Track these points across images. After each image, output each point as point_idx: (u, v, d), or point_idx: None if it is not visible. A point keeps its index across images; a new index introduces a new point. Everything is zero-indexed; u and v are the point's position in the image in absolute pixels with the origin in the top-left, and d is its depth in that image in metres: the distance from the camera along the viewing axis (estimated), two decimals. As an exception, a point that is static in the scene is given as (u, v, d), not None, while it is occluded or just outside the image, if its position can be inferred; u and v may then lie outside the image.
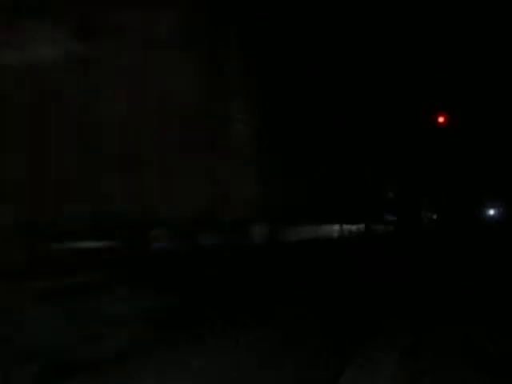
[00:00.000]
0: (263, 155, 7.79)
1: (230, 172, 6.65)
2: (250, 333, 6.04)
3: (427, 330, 5.94)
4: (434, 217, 35.91)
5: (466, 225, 29.64)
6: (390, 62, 26.01)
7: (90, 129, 4.86)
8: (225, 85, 6.48)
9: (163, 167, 5.46)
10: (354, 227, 26.73)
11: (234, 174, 6.74)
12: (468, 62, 24.75)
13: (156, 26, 5.33)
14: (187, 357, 4.97)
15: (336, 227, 16.33)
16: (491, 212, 31.98)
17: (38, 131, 4.42)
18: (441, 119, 21.91)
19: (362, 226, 29.14)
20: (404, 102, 27.81)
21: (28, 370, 3.96)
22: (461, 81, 25.23)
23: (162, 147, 5.47)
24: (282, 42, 9.29)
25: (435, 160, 31.14)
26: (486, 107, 27.36)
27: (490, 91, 26.57)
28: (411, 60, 26.08)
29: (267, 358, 5.15)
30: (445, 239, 25.00)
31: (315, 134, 10.89)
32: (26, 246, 4.12)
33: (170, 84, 5.54)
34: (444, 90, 25.11)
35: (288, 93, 9.23)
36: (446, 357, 4.80)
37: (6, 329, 3.85)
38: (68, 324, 4.36)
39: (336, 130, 12.76)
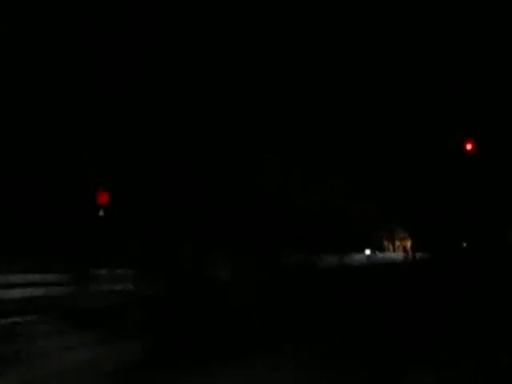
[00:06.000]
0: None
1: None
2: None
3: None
4: (464, 245, 36.79)
5: (497, 251, 30.52)
6: (419, 89, 26.44)
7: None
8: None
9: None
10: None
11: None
12: (497, 88, 24.88)
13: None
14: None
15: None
16: None
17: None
18: (468, 146, 21.88)
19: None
20: (431, 129, 28.20)
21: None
22: (489, 107, 25.31)
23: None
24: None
25: (462, 188, 31.72)
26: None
27: None
28: (439, 88, 26.32)
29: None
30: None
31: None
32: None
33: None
34: (472, 117, 25.24)
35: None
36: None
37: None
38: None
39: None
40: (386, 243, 43.52)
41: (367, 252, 36.43)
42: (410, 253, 40.85)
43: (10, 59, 16.78)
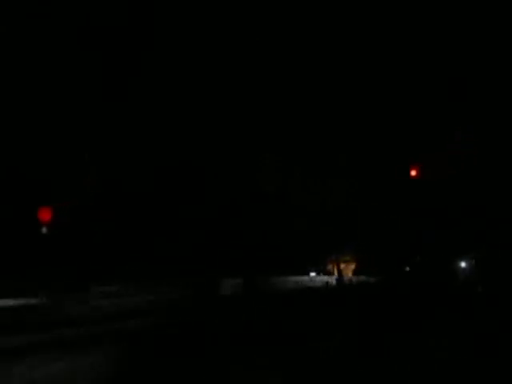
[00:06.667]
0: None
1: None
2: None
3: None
4: (407, 269, 37.78)
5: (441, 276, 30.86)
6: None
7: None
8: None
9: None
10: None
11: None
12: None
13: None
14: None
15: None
16: (463, 264, 33.53)
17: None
18: (413, 172, 21.52)
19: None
20: (377, 154, 28.81)
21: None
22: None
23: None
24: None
25: (408, 213, 32.40)
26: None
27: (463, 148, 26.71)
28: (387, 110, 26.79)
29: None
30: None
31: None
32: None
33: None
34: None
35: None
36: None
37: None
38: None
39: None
40: (330, 266, 44.33)
41: (312, 274, 36.07)
42: (349, 275, 41.55)
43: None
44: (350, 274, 43.98)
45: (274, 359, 6.36)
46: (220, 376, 5.48)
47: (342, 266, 44.74)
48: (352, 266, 45.95)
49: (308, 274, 34.82)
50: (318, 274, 37.62)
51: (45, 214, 13.99)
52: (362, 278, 41.83)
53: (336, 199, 35.28)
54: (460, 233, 30.87)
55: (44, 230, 13.98)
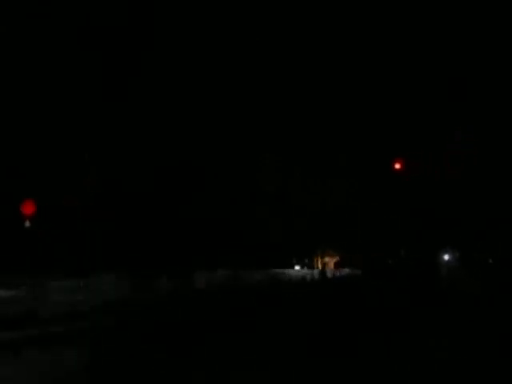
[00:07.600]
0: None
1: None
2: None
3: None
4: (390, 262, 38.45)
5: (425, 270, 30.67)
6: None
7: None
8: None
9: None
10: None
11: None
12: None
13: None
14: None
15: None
16: (446, 257, 33.36)
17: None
18: (397, 165, 21.29)
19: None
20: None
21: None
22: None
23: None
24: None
25: (393, 207, 32.52)
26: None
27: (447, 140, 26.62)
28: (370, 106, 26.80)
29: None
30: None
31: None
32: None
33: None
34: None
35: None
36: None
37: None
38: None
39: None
40: (315, 260, 44.96)
41: (297, 268, 36.94)
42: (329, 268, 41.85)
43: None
44: (332, 267, 44.65)
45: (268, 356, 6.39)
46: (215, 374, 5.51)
47: (326, 259, 45.42)
48: (334, 260, 46.94)
49: (293, 268, 35.76)
50: (302, 267, 38.59)
51: (28, 208, 13.77)
52: (346, 270, 42.32)
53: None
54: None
55: (27, 223, 13.75)
